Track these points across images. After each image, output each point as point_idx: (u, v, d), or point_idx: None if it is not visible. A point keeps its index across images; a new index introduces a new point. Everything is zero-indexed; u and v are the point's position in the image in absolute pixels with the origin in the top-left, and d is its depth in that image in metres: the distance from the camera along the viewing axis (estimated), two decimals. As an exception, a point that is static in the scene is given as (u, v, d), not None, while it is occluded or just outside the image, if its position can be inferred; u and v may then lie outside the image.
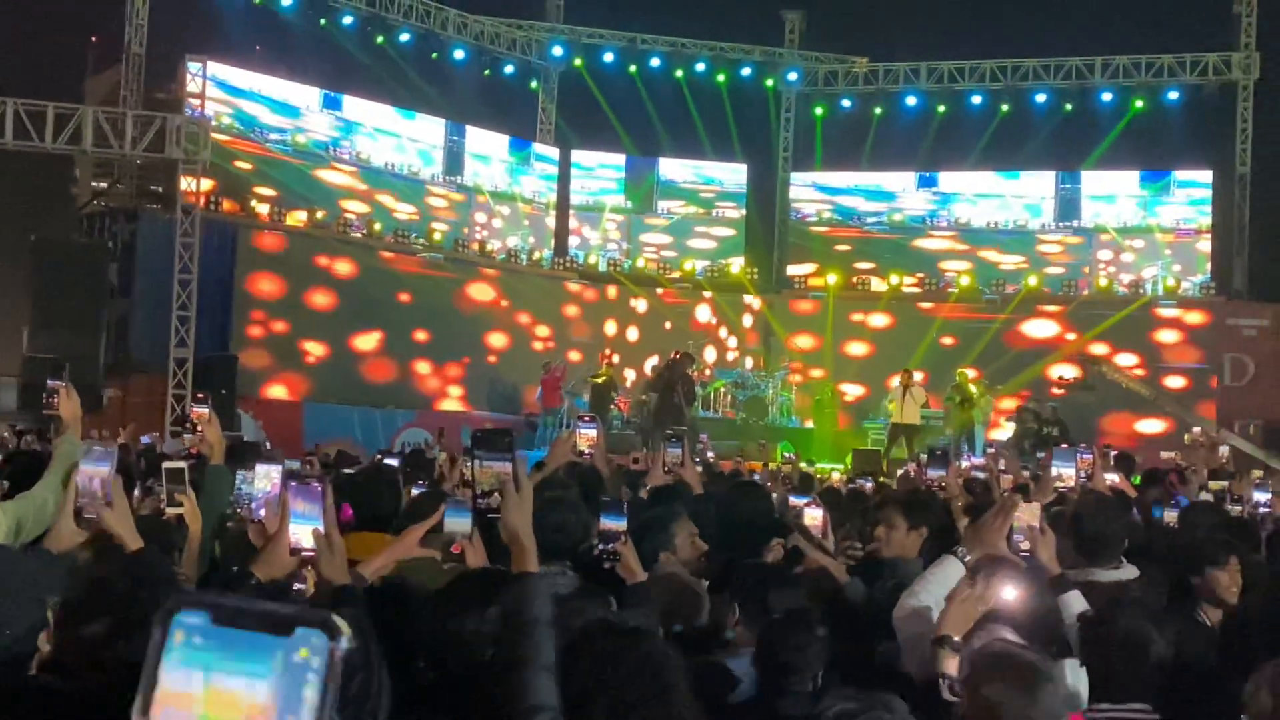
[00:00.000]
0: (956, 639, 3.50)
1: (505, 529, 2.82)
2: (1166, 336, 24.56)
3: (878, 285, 26.36)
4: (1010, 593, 3.72)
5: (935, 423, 22.86)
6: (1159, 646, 3.48)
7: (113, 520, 3.37)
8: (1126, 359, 24.39)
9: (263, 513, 3.94)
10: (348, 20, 23.97)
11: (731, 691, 3.70)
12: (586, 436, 6.43)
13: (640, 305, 26.10)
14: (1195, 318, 24.59)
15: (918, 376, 21.04)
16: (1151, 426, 23.39)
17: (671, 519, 4.96)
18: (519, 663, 2.58)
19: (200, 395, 5.12)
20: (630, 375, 24.40)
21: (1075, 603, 4.04)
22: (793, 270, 27.43)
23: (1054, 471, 6.10)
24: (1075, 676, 3.54)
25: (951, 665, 3.39)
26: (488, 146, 25.92)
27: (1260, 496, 7.96)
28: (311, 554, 3.30)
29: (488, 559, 3.60)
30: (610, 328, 25.73)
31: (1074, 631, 3.79)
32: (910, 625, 3.96)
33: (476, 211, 25.56)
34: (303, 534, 3.40)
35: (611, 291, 26.15)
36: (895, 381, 20.68)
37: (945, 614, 3.57)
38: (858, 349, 25.11)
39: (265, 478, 4.19)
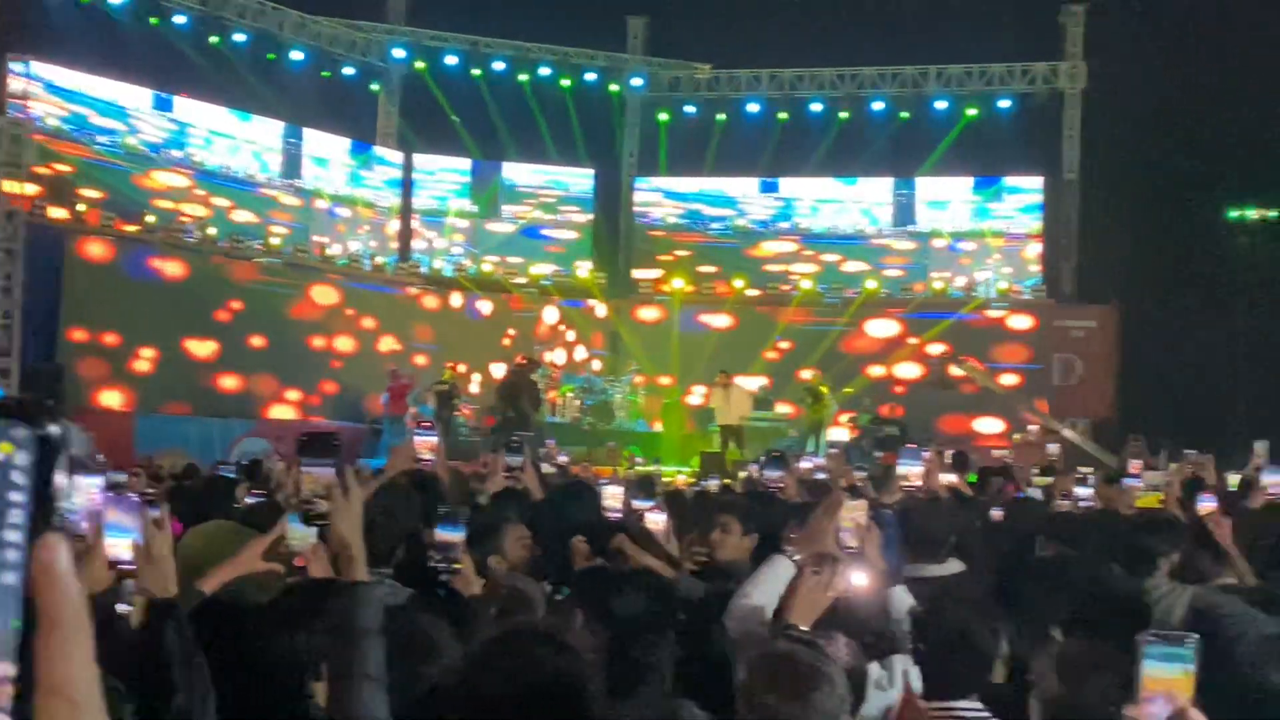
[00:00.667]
0: (804, 628, 3.51)
1: (333, 536, 2.74)
2: (1000, 338, 25.29)
3: (722, 290, 26.64)
4: (860, 579, 3.78)
5: (777, 424, 23.26)
6: (986, 641, 3.53)
7: None
8: (961, 354, 25.11)
9: (85, 526, 3.78)
10: (180, 20, 23.30)
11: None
12: (425, 443, 6.36)
13: (486, 310, 25.90)
14: (1026, 320, 25.39)
15: (735, 377, 21.52)
16: (986, 426, 24.13)
17: (501, 523, 4.89)
18: (347, 674, 2.53)
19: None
20: (476, 380, 24.15)
21: (902, 598, 4.10)
22: (639, 275, 27.56)
23: (900, 470, 6.22)
24: (907, 672, 3.58)
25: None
26: (327, 150, 25.47)
27: (1083, 492, 8.24)
28: (130, 567, 3.19)
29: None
30: (455, 334, 25.46)
31: (901, 627, 3.84)
32: (744, 626, 3.96)
33: (316, 216, 25.09)
34: (120, 547, 3.27)
35: (457, 297, 25.91)
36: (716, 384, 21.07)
37: (793, 604, 3.57)
38: (703, 353, 25.25)
39: (84, 491, 4.01)
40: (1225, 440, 15.07)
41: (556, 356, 25.44)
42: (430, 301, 25.68)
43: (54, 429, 0.76)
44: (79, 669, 0.81)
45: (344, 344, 24.14)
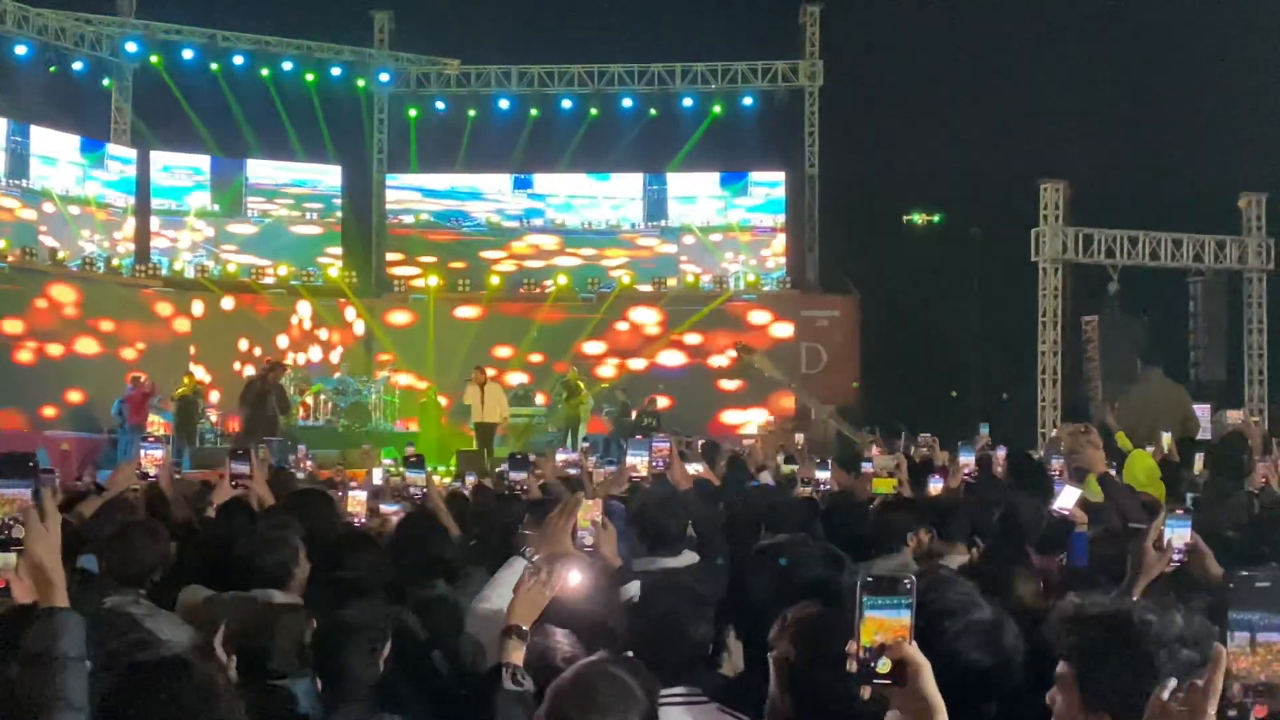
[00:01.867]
0: (525, 628, 3.54)
1: (28, 561, 2.63)
2: (750, 327, 25.99)
3: (477, 287, 26.52)
4: (575, 577, 3.82)
5: (536, 419, 23.38)
6: (698, 627, 3.62)
7: None
8: (713, 344, 25.78)
9: None
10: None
11: (292, 712, 3.60)
12: (152, 457, 6.15)
13: (230, 312, 25.06)
14: (773, 310, 26.17)
15: (491, 373, 21.56)
16: (737, 417, 24.89)
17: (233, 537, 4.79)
18: (49, 704, 2.43)
19: None
20: (221, 385, 23.35)
21: (635, 592, 4.18)
22: (393, 273, 27.19)
23: (629, 461, 6.36)
24: None
25: (518, 655, 3.43)
26: (56, 148, 24.20)
27: (822, 475, 8.57)
28: None
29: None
30: (199, 337, 24.58)
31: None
32: (486, 629, 3.98)
33: (46, 218, 23.81)
34: None
35: (199, 299, 24.98)
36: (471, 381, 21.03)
37: (513, 604, 3.60)
38: (459, 351, 25.08)
39: None
40: (956, 425, 15.91)
41: (308, 357, 24.88)
42: (170, 304, 24.69)
43: None
44: None
45: (81, 350, 23.03)
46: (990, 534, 5.58)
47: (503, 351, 25.34)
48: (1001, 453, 9.68)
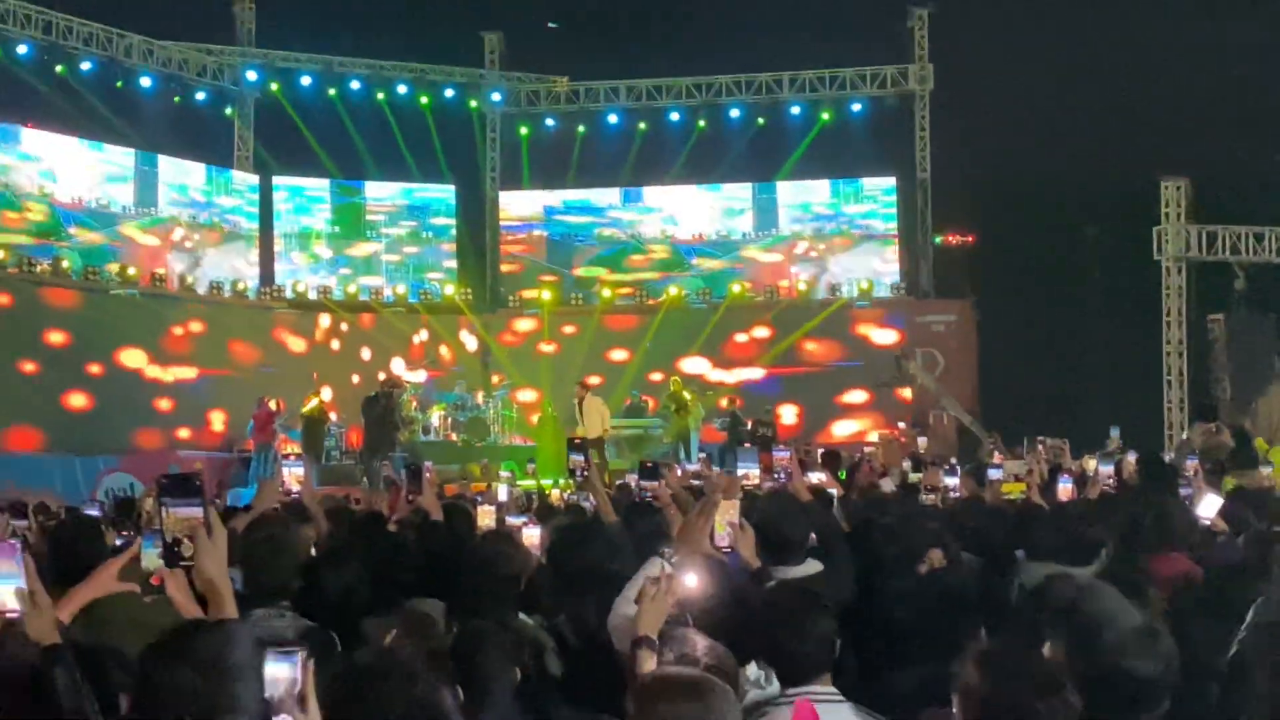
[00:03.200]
0: (653, 638, 3.59)
1: (199, 576, 2.74)
2: (864, 335, 25.82)
3: (589, 300, 26.73)
4: (691, 580, 3.88)
5: (650, 431, 23.44)
6: (821, 624, 3.65)
7: None
8: (828, 352, 25.62)
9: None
10: (23, 49, 22.64)
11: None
12: (294, 475, 6.34)
13: (353, 332, 25.60)
14: (887, 316, 25.95)
15: (595, 380, 21.66)
16: (849, 427, 24.74)
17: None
18: (221, 712, 2.52)
19: None
20: (344, 402, 23.82)
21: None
22: (507, 288, 27.53)
23: (740, 471, 6.36)
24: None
25: (649, 666, 3.46)
26: (183, 176, 24.96)
27: (950, 481, 8.52)
28: (15, 614, 3.13)
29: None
30: (323, 356, 25.16)
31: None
32: (625, 633, 4.02)
33: (175, 243, 24.56)
34: (4, 594, 3.21)
35: (323, 319, 25.59)
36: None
37: (639, 616, 3.65)
38: (573, 364, 25.28)
39: None
40: (1080, 427, 15.63)
41: (421, 375, 25.28)
42: (294, 325, 25.33)
43: None
44: None
45: (209, 373, 23.68)
46: (1134, 539, 5.50)
47: (615, 363, 25.48)
48: (1132, 457, 9.50)
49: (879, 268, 26.67)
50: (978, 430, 21.07)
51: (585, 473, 6.30)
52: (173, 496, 2.82)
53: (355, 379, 24.48)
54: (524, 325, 26.69)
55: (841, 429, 24.86)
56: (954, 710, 2.93)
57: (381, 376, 21.24)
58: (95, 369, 21.78)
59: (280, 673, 2.63)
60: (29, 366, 21.00)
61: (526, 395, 25.33)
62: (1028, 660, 2.86)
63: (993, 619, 3.87)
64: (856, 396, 25.34)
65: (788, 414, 24.66)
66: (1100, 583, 4.41)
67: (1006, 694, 2.78)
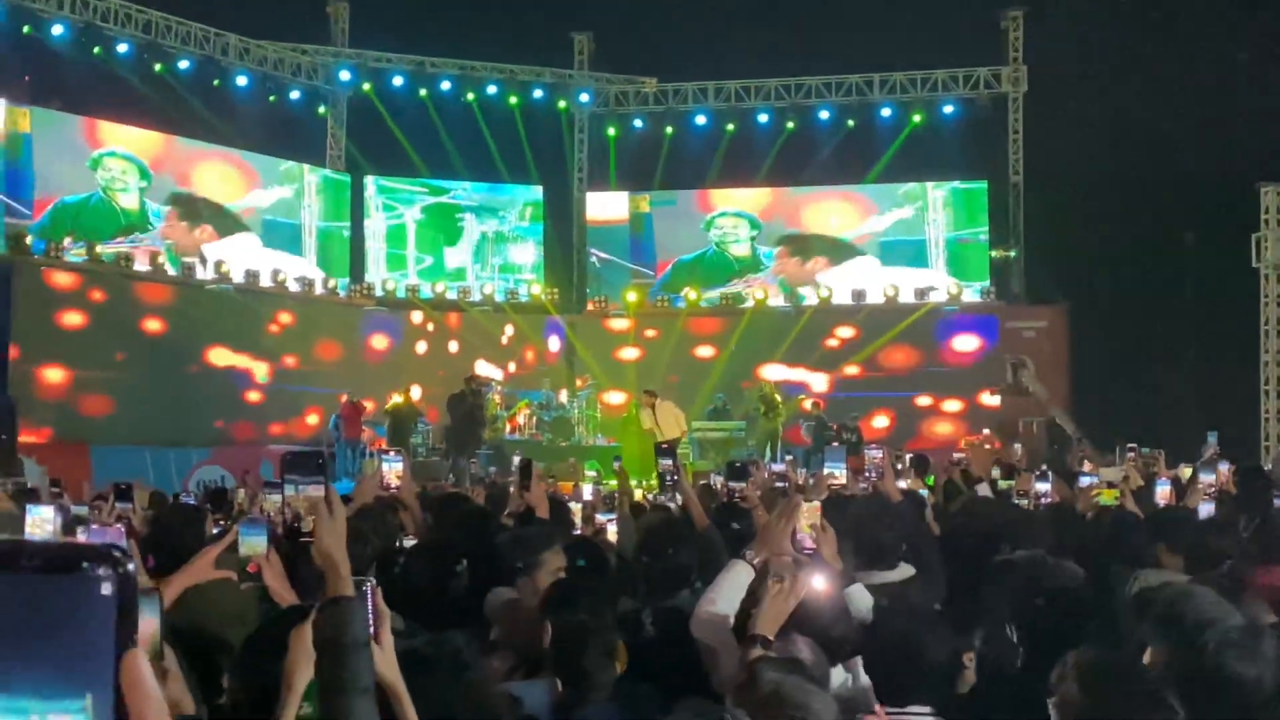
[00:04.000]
0: (770, 638, 3.57)
1: (318, 552, 2.77)
2: (952, 341, 25.53)
3: (677, 302, 26.73)
4: (820, 583, 3.83)
5: (734, 433, 23.37)
6: (934, 649, 3.59)
7: None
8: (915, 358, 25.37)
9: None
10: (123, 48, 23.16)
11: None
12: (394, 471, 6.42)
13: (440, 330, 25.86)
14: (977, 322, 25.63)
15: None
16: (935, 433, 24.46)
17: (543, 545, 4.87)
18: (340, 688, 2.55)
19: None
20: (429, 400, 24.06)
21: (860, 596, 4.17)
22: (594, 289, 27.64)
23: (826, 470, 6.31)
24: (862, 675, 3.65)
25: None
26: (276, 174, 25.38)
27: (1042, 487, 8.37)
28: None
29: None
30: (412, 354, 25.46)
31: (861, 626, 3.91)
32: (708, 633, 4.01)
33: (267, 241, 24.98)
34: None
35: (412, 317, 25.88)
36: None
37: (760, 613, 3.63)
38: (659, 364, 25.30)
39: (39, 524, 4.02)
40: (1173, 436, 15.32)
41: (513, 373, 25.45)
42: (387, 322, 25.65)
43: (130, 567, 0.92)
44: None
45: (297, 369, 24.05)
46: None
47: (700, 364, 25.44)
48: (1225, 466, 9.27)
49: (969, 272, 26.35)
50: (1084, 442, 20.68)
51: (675, 477, 6.29)
52: (296, 473, 2.86)
53: (440, 377, 24.69)
54: (609, 326, 26.75)
55: (928, 436, 24.60)
56: None
57: (467, 375, 21.38)
58: (189, 363, 22.20)
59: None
60: (124, 359, 21.46)
61: (611, 397, 25.37)
62: (1130, 672, 2.78)
63: (1094, 626, 3.79)
64: (945, 404, 25.07)
65: (877, 420, 24.45)
66: (1199, 587, 4.32)
67: (1107, 708, 2.70)
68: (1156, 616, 3.54)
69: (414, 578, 5.05)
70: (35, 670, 0.89)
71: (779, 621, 3.56)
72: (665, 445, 6.59)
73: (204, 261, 23.65)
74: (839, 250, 27.01)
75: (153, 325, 22.02)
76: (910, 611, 3.70)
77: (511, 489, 6.51)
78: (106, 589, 0.90)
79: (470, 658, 3.07)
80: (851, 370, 25.44)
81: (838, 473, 6.28)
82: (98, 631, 0.90)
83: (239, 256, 24.23)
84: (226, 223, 24.64)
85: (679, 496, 6.87)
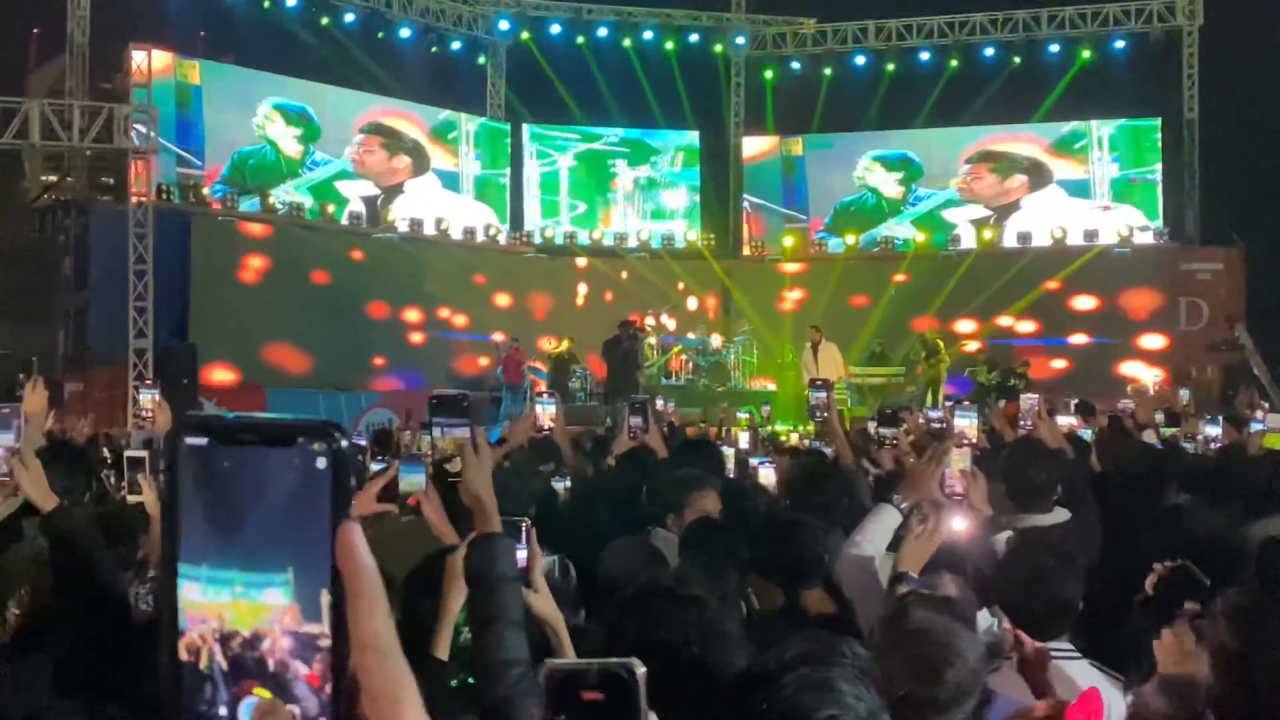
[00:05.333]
0: (914, 575, 3.59)
1: (466, 491, 2.87)
2: (1124, 283, 24.74)
3: (836, 247, 26.47)
4: (960, 523, 3.85)
5: (893, 379, 23.11)
6: (1066, 585, 3.56)
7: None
8: (1085, 302, 24.68)
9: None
10: (291, 2, 23.77)
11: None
12: (547, 413, 6.54)
13: (598, 276, 26.07)
14: (1150, 263, 24.80)
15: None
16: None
17: (695, 485, 4.92)
18: (489, 620, 2.65)
19: (149, 381, 5.20)
20: (587, 345, 24.32)
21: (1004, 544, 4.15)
22: (750, 235, 27.53)
23: (957, 426, 6.11)
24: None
25: None
26: (438, 124, 25.84)
27: (1212, 431, 8.14)
28: None
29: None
30: (571, 301, 25.77)
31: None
32: (854, 575, 4.03)
33: (429, 191, 25.49)
34: None
35: (571, 264, 26.17)
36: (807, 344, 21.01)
37: (903, 552, 3.67)
38: (815, 311, 25.08)
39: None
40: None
41: (668, 320, 25.55)
42: (546, 269, 25.99)
43: (344, 443, 0.94)
44: (381, 626, 0.97)
45: (460, 316, 24.57)
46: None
47: (860, 312, 25.15)
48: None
49: (1143, 213, 25.50)
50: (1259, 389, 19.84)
51: (825, 413, 6.25)
52: (442, 416, 2.94)
53: (600, 322, 24.92)
54: (766, 272, 26.62)
55: (1101, 382, 23.93)
56: (1203, 669, 2.80)
57: (623, 320, 21.54)
58: (359, 310, 22.82)
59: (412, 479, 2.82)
60: (297, 306, 22.18)
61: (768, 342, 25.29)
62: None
63: (1235, 570, 3.71)
64: (1118, 349, 24.32)
65: (1051, 365, 23.82)
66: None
67: (1265, 653, 2.63)
68: None
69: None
70: (243, 542, 0.92)
71: (923, 560, 3.58)
72: (820, 381, 6.54)
73: (390, 194, 24.39)
74: (1040, 174, 26.22)
75: (324, 273, 22.66)
76: (1041, 549, 3.67)
77: (623, 431, 6.55)
78: (321, 463, 0.92)
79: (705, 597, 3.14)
80: (1019, 316, 24.85)
81: (968, 429, 6.11)
82: (312, 504, 0.92)
83: (426, 196, 25.08)
84: (422, 162, 25.30)
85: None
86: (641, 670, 1.19)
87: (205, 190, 21.97)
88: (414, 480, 4.01)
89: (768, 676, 1.97)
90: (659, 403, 13.26)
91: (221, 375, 21.03)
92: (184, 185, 21.66)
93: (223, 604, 0.92)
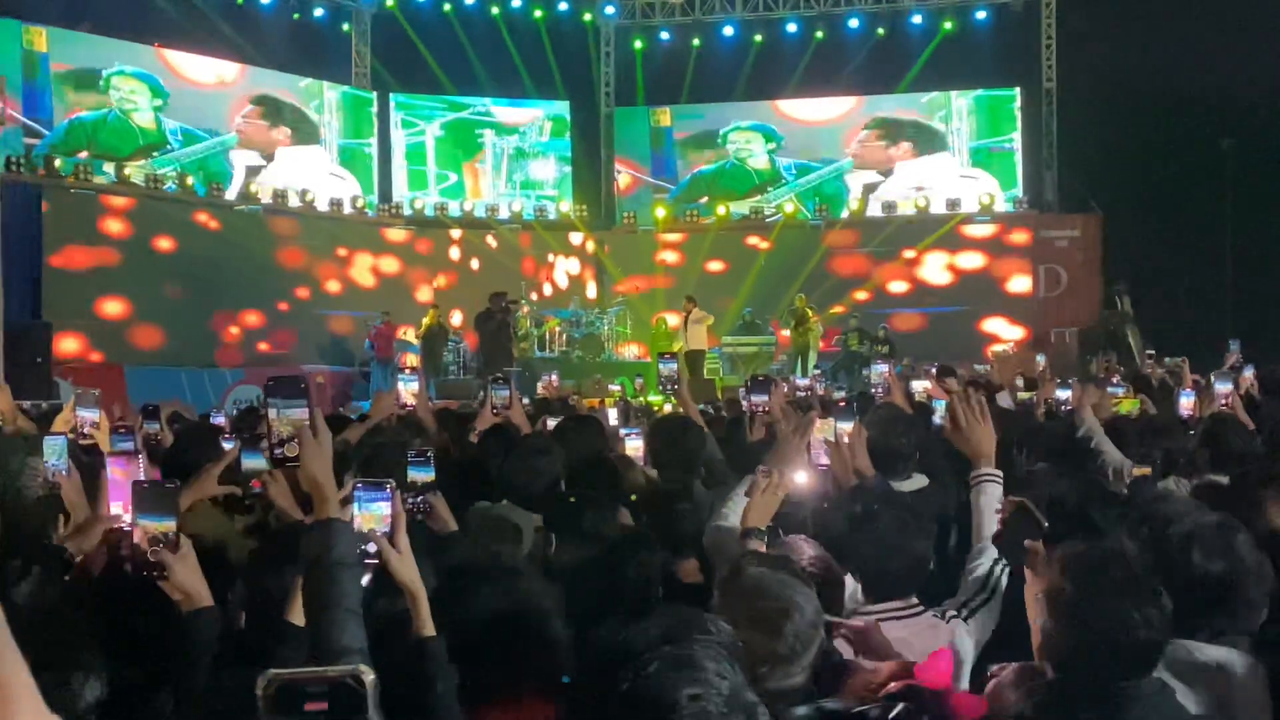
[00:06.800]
0: (760, 529, 3.65)
1: (304, 476, 2.80)
2: (986, 250, 25.31)
3: (703, 216, 26.59)
4: (801, 477, 3.97)
5: (764, 348, 23.36)
6: (917, 542, 3.63)
7: None
8: (949, 268, 25.18)
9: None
10: (146, -34, 23.01)
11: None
12: (409, 390, 6.46)
13: (468, 248, 25.84)
14: (1010, 231, 25.40)
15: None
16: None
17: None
18: (326, 605, 2.59)
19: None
20: (458, 318, 24.12)
21: None
22: (621, 205, 27.52)
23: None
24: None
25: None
26: (298, 93, 25.29)
27: (1063, 395, 8.35)
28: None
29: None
30: (442, 273, 25.51)
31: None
32: (724, 546, 4.04)
33: (293, 161, 24.96)
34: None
35: (440, 236, 25.88)
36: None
37: (747, 509, 3.70)
38: (686, 281, 25.21)
39: (53, 451, 4.09)
40: (1206, 346, 15.18)
41: (541, 290, 25.48)
42: (413, 241, 25.67)
43: None
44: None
45: (328, 290, 24.17)
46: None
47: (730, 282, 25.34)
48: (1249, 372, 9.20)
49: (1001, 182, 26.07)
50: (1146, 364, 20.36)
51: (675, 385, 6.32)
52: (279, 398, 2.86)
53: (469, 296, 24.73)
54: (637, 243, 26.65)
55: (963, 346, 24.47)
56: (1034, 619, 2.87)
57: (494, 293, 21.41)
58: (221, 284, 22.27)
59: (374, 509, 2.77)
60: (156, 281, 21.59)
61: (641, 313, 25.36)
62: (1118, 562, 2.77)
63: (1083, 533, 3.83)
64: (981, 316, 24.87)
65: (910, 332, 24.23)
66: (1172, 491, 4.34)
67: (1096, 599, 2.70)
68: (1133, 517, 3.57)
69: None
70: None
71: (767, 515, 3.62)
72: (668, 354, 6.62)
73: (269, 161, 23.99)
74: (928, 139, 26.55)
75: (183, 246, 22.08)
76: (893, 508, 3.73)
77: (483, 406, 6.53)
78: None
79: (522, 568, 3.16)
80: (884, 284, 25.29)
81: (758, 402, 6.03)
82: None
83: (306, 167, 24.77)
84: (307, 130, 24.83)
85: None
86: (371, 677, 1.14)
87: (58, 163, 21.21)
88: (256, 463, 3.91)
89: (630, 653, 1.94)
90: (549, 377, 13.26)
91: (77, 353, 20.39)
92: (30, 155, 20.90)
93: None
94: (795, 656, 2.72)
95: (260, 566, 3.42)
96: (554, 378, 13.44)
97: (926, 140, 26.48)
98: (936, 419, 6.48)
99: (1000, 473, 4.14)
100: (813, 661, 2.75)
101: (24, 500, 4.14)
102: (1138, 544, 3.13)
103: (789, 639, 2.72)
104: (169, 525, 2.98)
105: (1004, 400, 8.55)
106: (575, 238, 26.72)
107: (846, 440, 4.70)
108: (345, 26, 26.75)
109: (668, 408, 15.49)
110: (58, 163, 21.21)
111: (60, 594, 3.20)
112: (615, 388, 14.98)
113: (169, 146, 23.29)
